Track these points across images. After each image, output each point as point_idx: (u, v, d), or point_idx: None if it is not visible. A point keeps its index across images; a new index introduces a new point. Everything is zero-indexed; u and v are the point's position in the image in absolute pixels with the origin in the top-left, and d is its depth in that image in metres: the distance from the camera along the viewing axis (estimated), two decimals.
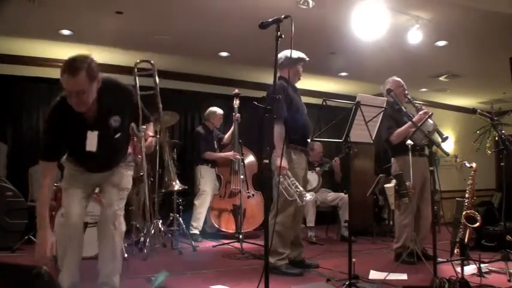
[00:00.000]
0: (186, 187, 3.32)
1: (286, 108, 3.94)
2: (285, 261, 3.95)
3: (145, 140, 3.07)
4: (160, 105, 3.36)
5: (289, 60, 3.98)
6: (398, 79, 4.54)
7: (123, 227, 2.94)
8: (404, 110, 4.15)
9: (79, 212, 2.81)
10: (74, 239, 2.77)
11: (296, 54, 4.08)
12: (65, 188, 2.88)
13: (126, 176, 3.05)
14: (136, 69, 3.30)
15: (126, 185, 3.04)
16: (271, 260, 3.83)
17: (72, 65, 2.47)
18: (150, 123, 3.17)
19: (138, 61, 3.44)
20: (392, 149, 4.48)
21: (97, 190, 3.17)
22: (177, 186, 3.21)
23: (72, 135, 2.70)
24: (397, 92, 4.37)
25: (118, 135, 2.83)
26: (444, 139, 4.00)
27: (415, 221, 4.39)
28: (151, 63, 3.48)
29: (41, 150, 2.71)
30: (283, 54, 3.99)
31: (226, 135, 6.30)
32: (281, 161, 3.27)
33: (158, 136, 3.23)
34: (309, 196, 3.86)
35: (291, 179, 3.84)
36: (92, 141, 2.70)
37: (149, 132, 3.13)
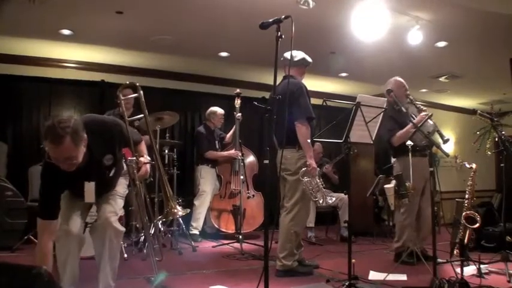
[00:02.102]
0: (188, 210, 3.30)
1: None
2: (297, 262, 3.96)
3: (139, 168, 2.97)
4: (151, 133, 3.26)
5: (304, 62, 4.06)
6: (401, 79, 4.53)
7: (120, 229, 2.88)
8: (405, 110, 4.14)
9: (79, 225, 2.79)
10: (75, 249, 2.75)
11: (307, 58, 4.11)
12: (63, 202, 2.79)
13: (120, 183, 3.05)
14: (121, 95, 3.15)
15: (120, 191, 3.04)
16: (288, 262, 3.84)
17: (55, 133, 2.27)
18: (141, 143, 3.12)
19: (122, 85, 3.32)
20: (394, 149, 4.49)
21: None
22: (180, 212, 3.16)
23: (69, 187, 2.68)
24: (399, 92, 4.37)
25: (113, 171, 2.82)
26: (445, 141, 4.01)
27: (415, 221, 4.39)
28: (137, 85, 3.23)
29: (40, 209, 2.61)
30: (299, 53, 4.01)
31: (228, 135, 6.29)
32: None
33: (153, 162, 3.16)
34: (334, 199, 3.91)
35: (319, 180, 3.85)
36: (89, 193, 2.66)
37: (143, 159, 3.01)
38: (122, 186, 3.06)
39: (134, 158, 2.89)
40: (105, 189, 2.90)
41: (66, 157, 2.35)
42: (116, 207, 2.94)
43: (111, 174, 2.83)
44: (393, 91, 4.25)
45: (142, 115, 3.19)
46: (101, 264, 2.81)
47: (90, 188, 2.65)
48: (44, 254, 2.53)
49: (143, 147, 3.14)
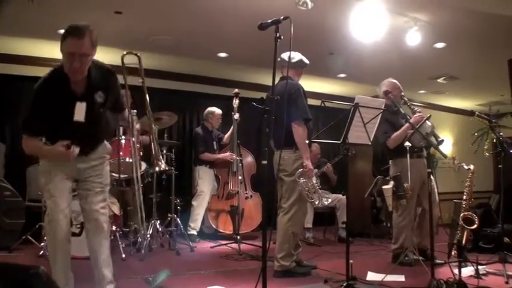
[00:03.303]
0: (172, 168, 3.44)
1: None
2: (295, 263, 3.96)
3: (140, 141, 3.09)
4: (148, 100, 3.49)
5: (302, 63, 4.05)
6: (395, 81, 4.54)
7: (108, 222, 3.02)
8: (403, 111, 4.15)
9: (67, 213, 2.79)
10: (64, 240, 2.75)
11: (305, 59, 4.10)
12: (47, 184, 2.80)
13: (106, 172, 3.08)
14: (123, 62, 3.53)
15: (107, 181, 3.07)
16: (286, 263, 3.84)
17: (77, 29, 2.54)
18: (123, 112, 3.22)
19: (124, 53, 3.58)
20: (389, 152, 4.49)
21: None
22: (163, 166, 3.33)
23: (60, 106, 2.71)
24: (394, 93, 4.39)
25: (101, 110, 2.88)
26: (440, 142, 4.01)
27: (419, 221, 4.39)
28: (138, 56, 3.57)
29: (26, 123, 2.72)
30: (297, 55, 4.01)
31: (226, 136, 6.29)
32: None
33: (151, 136, 3.31)
34: (329, 200, 3.91)
35: (315, 182, 3.85)
36: (80, 111, 2.74)
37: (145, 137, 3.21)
38: (107, 176, 3.09)
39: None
40: (92, 129, 2.86)
41: (82, 54, 2.54)
42: (105, 195, 3.02)
43: (101, 110, 2.87)
44: (391, 92, 4.27)
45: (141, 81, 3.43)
46: (98, 257, 2.87)
47: (81, 107, 2.73)
48: (35, 145, 2.72)
49: (124, 115, 3.27)
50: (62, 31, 5.24)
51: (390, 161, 4.55)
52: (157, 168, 3.43)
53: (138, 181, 3.43)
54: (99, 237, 2.89)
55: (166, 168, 3.40)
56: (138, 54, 3.52)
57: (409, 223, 4.31)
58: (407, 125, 4.15)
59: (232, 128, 6.02)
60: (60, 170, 2.80)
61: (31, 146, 2.75)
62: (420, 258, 4.06)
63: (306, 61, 4.10)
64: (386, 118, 4.31)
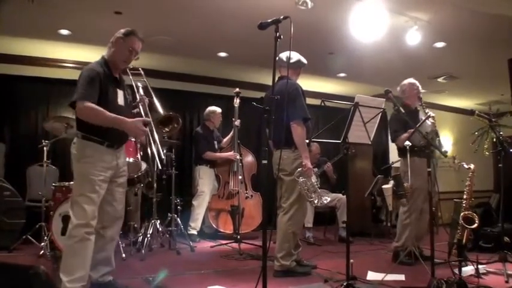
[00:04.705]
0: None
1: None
2: (295, 262, 3.96)
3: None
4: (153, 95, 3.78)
5: (300, 63, 4.05)
6: (414, 81, 4.58)
7: None
8: (403, 111, 4.14)
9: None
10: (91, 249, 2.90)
11: (303, 59, 4.10)
12: (91, 191, 2.89)
13: (126, 176, 3.31)
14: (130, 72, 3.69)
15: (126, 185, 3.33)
16: (286, 262, 3.84)
17: (138, 33, 3.14)
18: None
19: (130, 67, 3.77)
20: (400, 150, 4.48)
21: None
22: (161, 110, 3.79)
23: (108, 88, 3.02)
24: (411, 93, 4.51)
25: (130, 104, 3.28)
26: (443, 153, 4.01)
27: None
28: (141, 71, 3.84)
29: (88, 93, 2.84)
30: (295, 55, 4.01)
31: (225, 140, 6.27)
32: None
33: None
34: (328, 199, 3.94)
35: (314, 181, 3.85)
36: (121, 97, 3.15)
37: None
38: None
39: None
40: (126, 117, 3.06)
41: (137, 51, 3.18)
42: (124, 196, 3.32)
43: (128, 104, 3.26)
44: (391, 92, 4.27)
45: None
46: (108, 247, 3.15)
47: (121, 94, 3.17)
48: (107, 113, 2.86)
49: None
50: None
51: (401, 159, 4.54)
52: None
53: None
54: (117, 225, 3.22)
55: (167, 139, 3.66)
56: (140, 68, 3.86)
57: (413, 221, 4.30)
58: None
59: (232, 132, 6.02)
60: (104, 176, 2.96)
61: (100, 114, 2.84)
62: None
63: (304, 61, 4.10)
64: (397, 117, 4.33)
